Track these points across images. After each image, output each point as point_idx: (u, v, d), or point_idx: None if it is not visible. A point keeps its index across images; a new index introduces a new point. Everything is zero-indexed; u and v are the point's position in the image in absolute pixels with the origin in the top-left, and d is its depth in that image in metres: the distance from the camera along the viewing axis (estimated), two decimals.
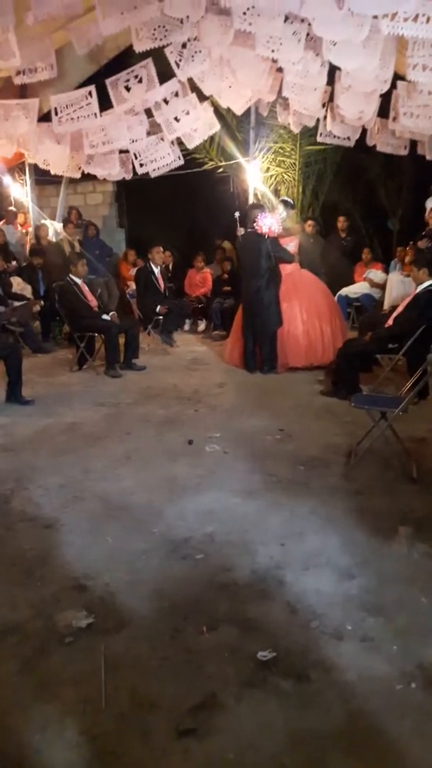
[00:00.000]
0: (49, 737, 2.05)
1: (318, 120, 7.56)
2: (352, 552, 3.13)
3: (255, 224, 6.78)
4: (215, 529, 3.40)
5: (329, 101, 7.05)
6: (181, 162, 7.46)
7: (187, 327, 9.54)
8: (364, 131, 7.61)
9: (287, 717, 2.10)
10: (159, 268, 8.58)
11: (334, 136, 7.65)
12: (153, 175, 7.49)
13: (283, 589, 2.84)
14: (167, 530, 3.40)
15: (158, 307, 8.35)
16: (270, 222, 6.76)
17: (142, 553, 3.17)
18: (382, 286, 8.75)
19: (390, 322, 5.72)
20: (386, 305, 7.91)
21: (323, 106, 7.13)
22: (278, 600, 2.76)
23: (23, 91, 6.94)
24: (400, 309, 5.75)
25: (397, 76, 6.10)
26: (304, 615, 2.65)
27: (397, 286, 8.01)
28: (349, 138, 7.66)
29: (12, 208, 10.23)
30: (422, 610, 2.66)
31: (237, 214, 7.39)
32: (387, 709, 2.12)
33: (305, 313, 7.03)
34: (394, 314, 5.77)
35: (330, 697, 2.18)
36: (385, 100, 6.76)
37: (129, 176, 7.63)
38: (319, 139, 7.78)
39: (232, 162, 9.20)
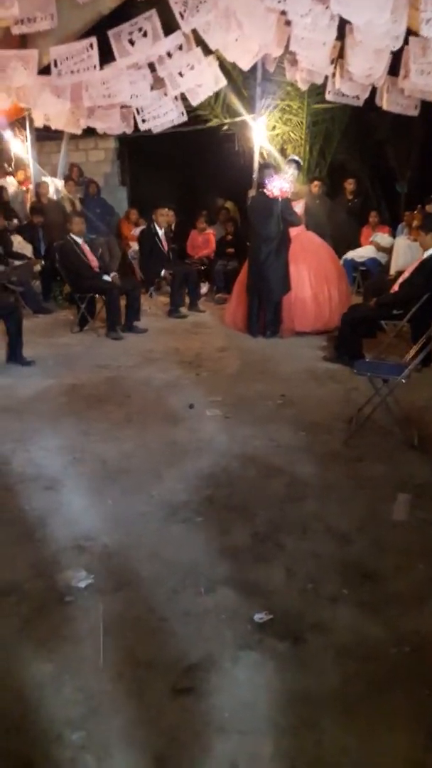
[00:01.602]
0: (47, 694, 2.08)
1: (326, 77, 7.35)
2: (351, 517, 3.14)
3: (265, 189, 6.63)
4: (214, 492, 3.41)
5: (338, 57, 6.83)
6: (185, 118, 7.25)
7: (204, 290, 9.29)
8: (373, 90, 7.39)
9: (282, 678, 2.13)
10: (163, 229, 8.44)
11: (343, 95, 7.42)
12: (155, 131, 7.30)
13: (281, 553, 2.86)
14: (167, 493, 3.41)
15: (162, 272, 8.22)
16: (280, 183, 6.62)
17: (142, 516, 3.19)
18: (388, 251, 8.62)
19: (396, 287, 5.65)
20: (392, 270, 7.80)
21: (332, 62, 6.91)
22: (276, 564, 2.78)
23: (23, 43, 6.73)
24: (406, 274, 5.67)
25: (410, 32, 5.89)
26: (302, 579, 2.67)
27: (403, 251, 7.90)
28: (358, 97, 7.43)
29: (6, 165, 10.04)
30: (418, 576, 2.68)
31: (255, 175, 7.17)
32: (381, 673, 2.15)
33: (313, 277, 6.93)
34: (400, 280, 5.70)
35: (325, 660, 2.21)
36: (396, 57, 6.54)
37: (130, 130, 7.43)
38: (327, 97, 7.56)
39: (237, 119, 8.98)
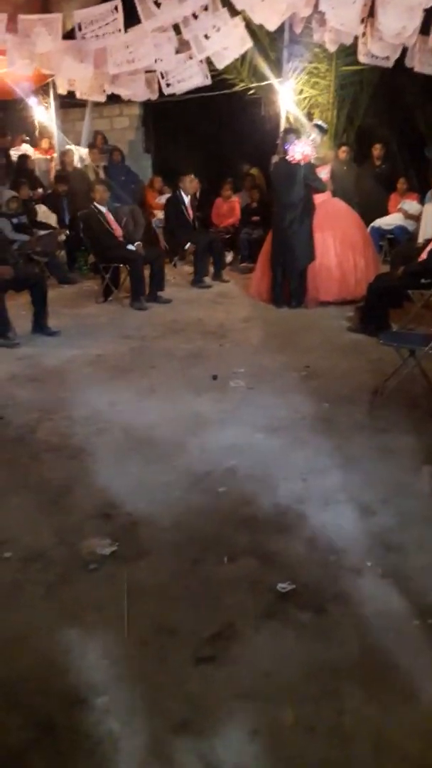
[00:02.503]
0: (72, 659, 2.12)
1: (355, 38, 7.10)
2: (375, 489, 3.12)
3: (287, 156, 6.48)
4: (238, 463, 3.41)
5: (368, 16, 6.59)
6: (209, 81, 7.07)
7: (229, 259, 9.18)
8: (404, 51, 7.13)
9: (303, 648, 2.14)
10: (189, 197, 8.33)
11: (373, 56, 7.18)
12: (179, 93, 7.14)
13: (303, 523, 2.86)
14: (190, 463, 3.42)
15: (187, 244, 8.13)
16: (302, 148, 6.47)
17: (165, 485, 3.21)
18: (417, 218, 8.41)
19: (424, 255, 5.52)
20: (420, 238, 7.61)
21: (362, 21, 6.67)
22: (299, 534, 2.78)
23: (46, 7, 6.61)
24: None
25: None
26: (324, 550, 2.67)
27: None
28: (388, 58, 7.18)
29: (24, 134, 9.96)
30: None
31: (279, 139, 7.00)
32: (402, 645, 2.14)
33: (339, 244, 6.80)
34: (429, 247, 5.57)
35: (346, 631, 2.21)
36: (428, 15, 6.28)
37: (155, 97, 7.30)
38: (360, 59, 7.32)
39: (263, 83, 8.75)
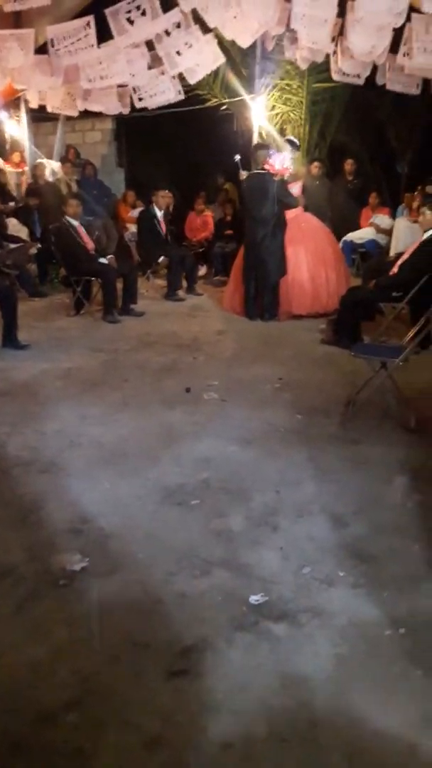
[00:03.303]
0: (42, 677, 2.08)
1: (327, 56, 7.23)
2: (347, 500, 3.13)
3: (266, 164, 6.55)
4: (211, 475, 3.40)
5: (339, 35, 6.72)
6: (182, 97, 7.14)
7: (202, 272, 9.22)
8: (374, 69, 7.28)
9: (277, 660, 2.13)
10: (162, 211, 8.36)
11: (344, 74, 7.32)
12: (151, 107, 7.18)
13: (276, 535, 2.86)
14: (163, 476, 3.40)
15: (160, 258, 8.14)
16: (283, 159, 6.54)
17: (138, 499, 3.18)
18: (388, 232, 8.56)
19: (395, 269, 5.60)
20: (392, 252, 7.74)
21: (333, 40, 6.80)
22: (272, 546, 2.77)
23: (17, 22, 6.60)
24: (405, 256, 5.62)
25: (412, 9, 5.78)
26: (297, 561, 2.66)
27: (403, 233, 7.83)
28: (359, 75, 7.32)
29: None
30: (414, 558, 2.67)
31: (237, 157, 7.07)
32: (375, 655, 2.15)
33: (311, 259, 6.88)
34: (400, 261, 5.65)
35: (319, 642, 2.21)
36: (397, 35, 6.43)
37: (127, 110, 7.34)
38: (331, 76, 7.45)
39: (236, 99, 8.85)
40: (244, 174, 6.98)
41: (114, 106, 7.20)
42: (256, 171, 6.73)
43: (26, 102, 8.63)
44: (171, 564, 2.65)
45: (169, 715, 1.92)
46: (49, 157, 10.10)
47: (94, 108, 7.25)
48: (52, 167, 9.71)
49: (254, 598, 2.43)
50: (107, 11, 6.12)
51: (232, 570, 2.61)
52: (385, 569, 2.61)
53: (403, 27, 6.15)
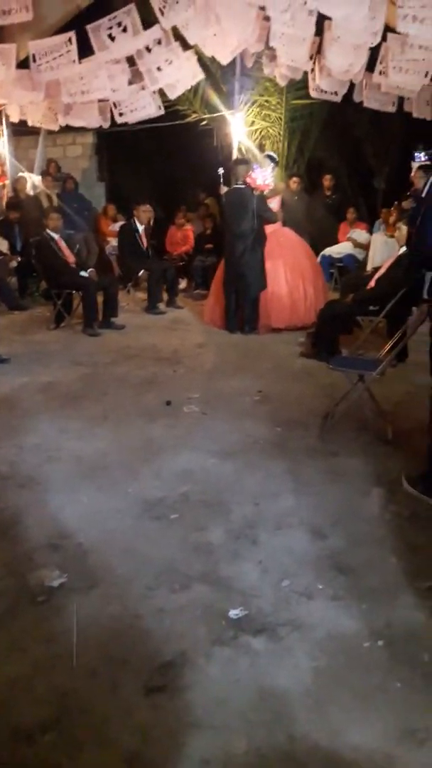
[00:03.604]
0: (18, 694, 2.05)
1: (305, 73, 7.35)
2: (326, 512, 3.15)
3: (248, 178, 6.62)
4: (190, 489, 3.40)
5: (317, 53, 6.84)
6: (162, 112, 7.21)
7: (183, 286, 9.27)
8: (352, 86, 7.42)
9: (256, 674, 2.13)
10: (143, 226, 8.39)
11: (322, 91, 7.44)
12: (131, 122, 7.24)
13: (256, 548, 2.86)
14: (142, 490, 3.40)
15: (141, 272, 8.16)
16: (264, 175, 6.62)
17: (117, 513, 3.17)
18: (365, 247, 8.67)
19: (372, 283, 5.68)
20: (369, 266, 7.84)
21: (311, 58, 6.92)
22: (251, 559, 2.78)
23: (0, 37, 6.62)
24: (382, 271, 5.70)
25: (388, 29, 5.91)
26: (276, 574, 2.67)
27: (380, 248, 7.94)
28: (336, 93, 7.46)
29: None
30: (391, 570, 2.70)
31: (221, 170, 7.17)
32: (354, 667, 2.15)
33: (289, 273, 6.95)
34: (377, 276, 5.73)
35: (298, 655, 2.21)
36: (373, 53, 6.57)
37: (107, 124, 7.38)
38: (309, 93, 7.58)
39: (215, 115, 8.95)
40: (224, 189, 7.06)
41: (95, 120, 7.25)
42: (236, 186, 6.80)
43: (7, 116, 8.64)
44: (150, 579, 2.64)
45: (148, 731, 1.91)
46: (30, 170, 10.10)
47: (75, 123, 7.29)
48: (33, 181, 9.71)
49: (234, 612, 2.43)
50: (89, 27, 6.17)
51: (212, 584, 2.61)
52: (363, 581, 2.62)
53: (379, 46, 6.28)
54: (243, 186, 6.68)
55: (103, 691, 2.07)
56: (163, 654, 2.22)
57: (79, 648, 2.25)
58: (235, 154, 8.47)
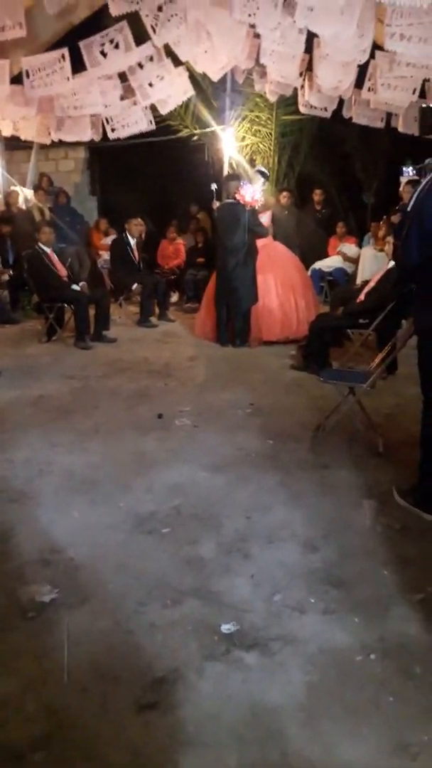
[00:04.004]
0: (8, 713, 2.03)
1: (295, 89, 7.44)
2: (317, 525, 3.15)
3: (237, 194, 6.67)
4: (182, 502, 3.39)
5: (307, 70, 6.93)
6: (153, 127, 7.28)
7: (174, 299, 9.30)
8: (341, 102, 7.51)
9: (248, 690, 2.12)
10: (135, 239, 8.43)
11: (311, 106, 7.54)
12: (123, 137, 7.30)
13: (247, 562, 2.86)
14: (134, 504, 3.39)
15: (134, 285, 8.19)
16: (253, 191, 6.68)
17: (108, 528, 3.15)
18: (355, 261, 8.74)
19: (362, 297, 5.71)
20: (359, 280, 7.90)
21: (300, 75, 7.01)
22: (243, 573, 2.77)
23: None
24: (372, 284, 5.74)
25: (376, 46, 6.01)
26: (268, 588, 2.66)
27: (369, 261, 8.01)
28: (326, 108, 7.56)
29: None
30: (383, 583, 2.70)
31: (214, 186, 7.23)
32: (346, 681, 2.15)
33: (280, 286, 6.99)
34: (366, 289, 5.76)
35: (291, 670, 2.20)
36: (362, 70, 6.66)
37: (98, 138, 7.44)
38: (299, 109, 7.67)
39: (207, 130, 9.03)
40: (216, 203, 7.11)
41: (87, 134, 7.29)
42: (227, 201, 6.84)
43: None
44: (142, 594, 2.63)
45: (140, 748, 1.89)
46: (23, 184, 10.14)
47: (68, 138, 7.34)
48: (25, 195, 9.74)
49: (225, 627, 2.42)
50: (81, 44, 6.23)
51: (203, 599, 2.60)
52: (355, 594, 2.62)
53: (367, 63, 6.38)
54: (234, 201, 6.73)
55: (94, 708, 2.05)
56: (155, 670, 2.21)
57: (70, 664, 2.23)
58: (226, 169, 8.54)
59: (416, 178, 7.29)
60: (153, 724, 1.99)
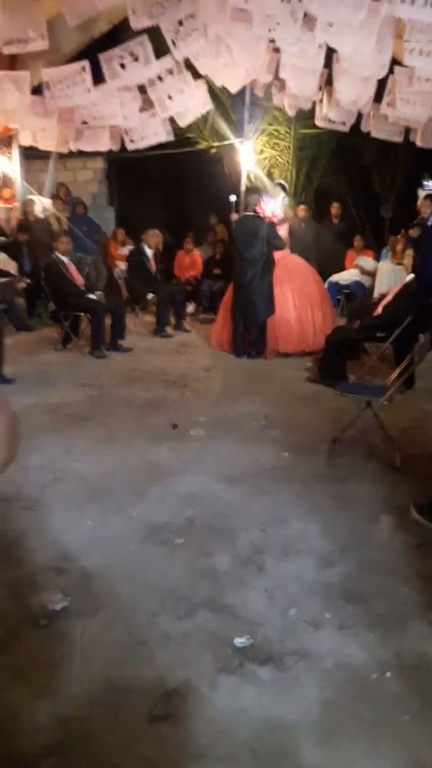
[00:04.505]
0: (20, 722, 2.01)
1: (313, 103, 7.48)
2: (334, 539, 3.11)
3: (257, 207, 6.69)
4: (196, 513, 3.37)
5: (326, 84, 6.96)
6: (172, 138, 7.33)
7: (190, 309, 9.32)
8: (359, 116, 7.53)
9: (262, 704, 2.09)
10: (152, 250, 8.46)
11: (330, 121, 7.57)
12: (141, 148, 7.38)
13: (263, 575, 2.83)
14: (147, 514, 3.37)
15: (149, 295, 8.22)
16: (274, 206, 6.69)
17: (122, 537, 3.14)
18: (372, 274, 8.72)
19: (379, 310, 5.69)
20: (376, 293, 7.88)
21: (319, 89, 7.04)
22: (257, 586, 2.74)
23: (12, 64, 6.77)
24: (389, 298, 5.72)
25: (395, 62, 6.02)
26: (283, 602, 2.63)
27: (387, 275, 7.99)
28: (344, 123, 7.59)
29: None
30: (401, 599, 2.65)
31: (233, 197, 7.26)
32: (361, 698, 2.11)
33: (297, 298, 6.98)
34: (383, 302, 5.74)
35: (305, 686, 2.17)
36: (381, 85, 6.68)
37: (117, 147, 7.50)
38: (316, 123, 7.70)
39: (225, 143, 9.08)
40: (235, 216, 7.13)
41: (105, 145, 7.37)
42: (247, 213, 6.86)
43: (18, 139, 8.79)
44: (154, 604, 2.60)
45: (151, 761, 1.87)
46: (40, 193, 10.22)
47: (87, 148, 7.41)
48: (42, 204, 9.82)
49: (239, 640, 2.38)
50: (101, 56, 6.30)
51: (217, 611, 2.57)
52: (371, 610, 2.58)
53: (386, 78, 6.40)
54: (254, 214, 6.74)
55: (106, 719, 2.02)
56: (168, 682, 2.18)
57: (82, 674, 2.21)
58: (244, 182, 8.57)
59: None
60: (165, 736, 1.96)
